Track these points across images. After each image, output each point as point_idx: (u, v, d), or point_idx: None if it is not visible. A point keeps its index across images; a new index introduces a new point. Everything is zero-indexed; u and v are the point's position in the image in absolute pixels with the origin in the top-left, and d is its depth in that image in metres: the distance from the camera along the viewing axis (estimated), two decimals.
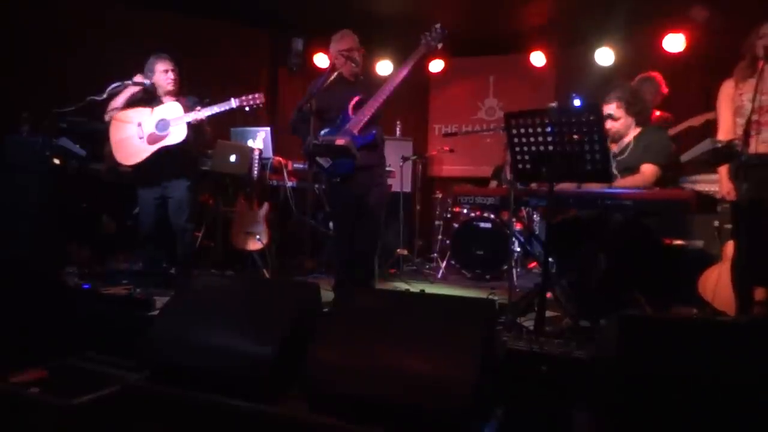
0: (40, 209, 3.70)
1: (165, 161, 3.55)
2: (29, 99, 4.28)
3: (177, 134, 3.46)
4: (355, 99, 3.40)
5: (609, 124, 3.07)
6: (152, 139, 3.52)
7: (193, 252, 3.81)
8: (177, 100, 3.57)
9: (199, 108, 3.47)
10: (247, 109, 3.45)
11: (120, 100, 3.60)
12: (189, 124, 3.45)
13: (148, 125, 3.53)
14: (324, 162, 3.40)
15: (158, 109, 3.56)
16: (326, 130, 3.39)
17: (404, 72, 3.38)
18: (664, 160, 2.97)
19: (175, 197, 3.62)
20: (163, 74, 3.59)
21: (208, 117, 3.53)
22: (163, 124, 3.51)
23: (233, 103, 3.45)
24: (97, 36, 5.15)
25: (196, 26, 5.77)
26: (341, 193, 3.50)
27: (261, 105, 3.45)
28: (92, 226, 4.36)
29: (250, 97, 3.43)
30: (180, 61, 3.74)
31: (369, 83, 3.59)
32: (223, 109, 3.47)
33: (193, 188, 3.69)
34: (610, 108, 3.10)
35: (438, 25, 3.42)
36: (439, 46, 3.46)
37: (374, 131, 3.38)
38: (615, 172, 3.05)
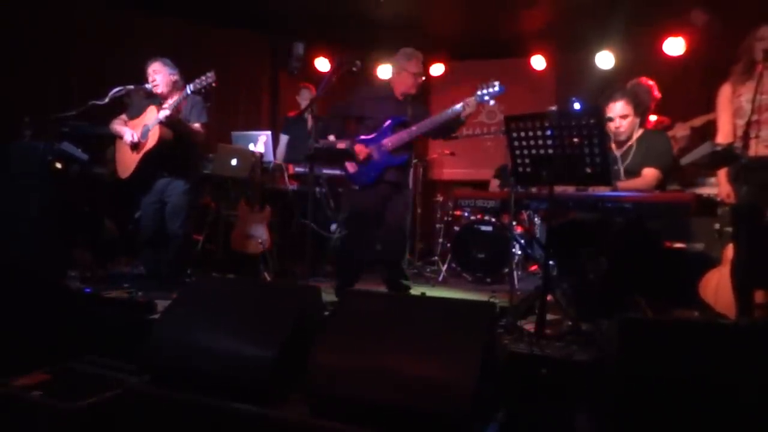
0: (42, 213, 3.71)
1: (153, 166, 3.58)
2: (31, 104, 4.30)
3: (152, 137, 3.50)
4: (399, 119, 3.49)
5: (618, 123, 3.04)
6: (138, 148, 3.56)
7: (185, 257, 3.81)
8: (178, 101, 3.56)
9: (165, 106, 3.48)
10: (203, 90, 3.46)
11: (121, 119, 3.70)
12: (161, 124, 3.46)
13: (136, 135, 3.57)
14: (350, 167, 3.51)
15: (144, 116, 3.60)
16: (363, 137, 3.49)
17: (452, 113, 3.37)
18: (665, 164, 2.98)
19: (172, 202, 3.62)
20: (148, 77, 3.62)
21: (191, 111, 3.59)
22: (144, 131, 3.54)
23: (188, 89, 3.47)
24: (98, 41, 5.18)
25: (197, 31, 5.80)
26: (359, 201, 3.61)
27: (214, 83, 3.44)
28: (94, 230, 4.37)
29: (202, 78, 3.44)
30: (179, 65, 3.74)
31: (415, 104, 3.63)
32: (181, 97, 3.49)
33: (189, 193, 3.68)
34: (618, 106, 3.05)
35: (497, 82, 3.31)
36: (492, 102, 3.38)
37: (406, 155, 3.50)
38: (622, 176, 3.04)
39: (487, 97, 3.34)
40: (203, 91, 3.47)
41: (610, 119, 3.05)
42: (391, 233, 3.55)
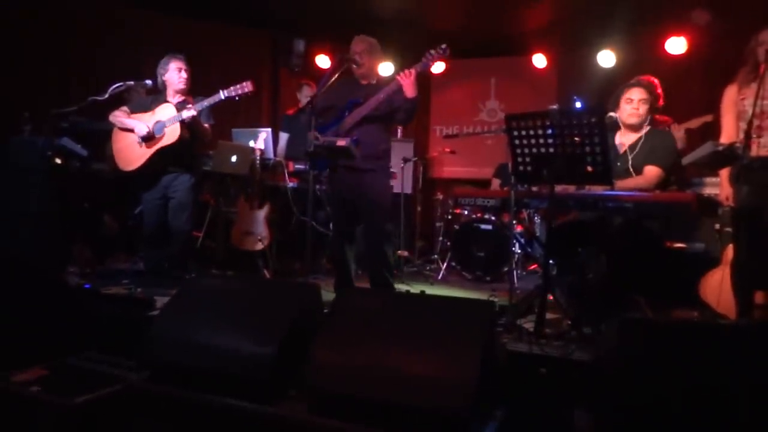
0: (41, 209, 3.71)
1: (165, 162, 3.57)
2: (31, 99, 4.29)
3: (171, 134, 3.48)
4: (354, 101, 3.42)
5: (636, 105, 3.02)
6: (151, 142, 3.54)
7: (188, 253, 3.81)
8: (185, 100, 3.58)
9: (190, 105, 3.47)
10: (237, 98, 3.44)
11: (123, 110, 3.66)
12: (183, 122, 3.45)
13: (150, 127, 3.54)
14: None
15: (155, 111, 3.57)
16: (320, 128, 3.39)
17: (394, 86, 3.26)
18: (668, 163, 2.96)
19: (177, 197, 3.62)
20: (176, 72, 3.60)
21: (201, 112, 3.54)
22: (159, 126, 3.52)
23: (222, 95, 3.45)
24: (98, 37, 5.17)
25: (198, 27, 5.79)
26: (332, 193, 3.59)
27: (249, 93, 3.42)
28: (94, 226, 4.37)
29: (238, 86, 3.41)
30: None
31: (375, 86, 3.51)
32: (213, 102, 3.47)
33: (194, 189, 3.70)
34: (639, 91, 3.04)
35: (444, 45, 3.21)
36: (432, 65, 3.28)
37: (355, 137, 3.32)
38: (631, 169, 3.02)
39: (431, 62, 3.23)
40: (237, 98, 3.44)
41: (630, 100, 3.03)
42: (367, 231, 3.46)
